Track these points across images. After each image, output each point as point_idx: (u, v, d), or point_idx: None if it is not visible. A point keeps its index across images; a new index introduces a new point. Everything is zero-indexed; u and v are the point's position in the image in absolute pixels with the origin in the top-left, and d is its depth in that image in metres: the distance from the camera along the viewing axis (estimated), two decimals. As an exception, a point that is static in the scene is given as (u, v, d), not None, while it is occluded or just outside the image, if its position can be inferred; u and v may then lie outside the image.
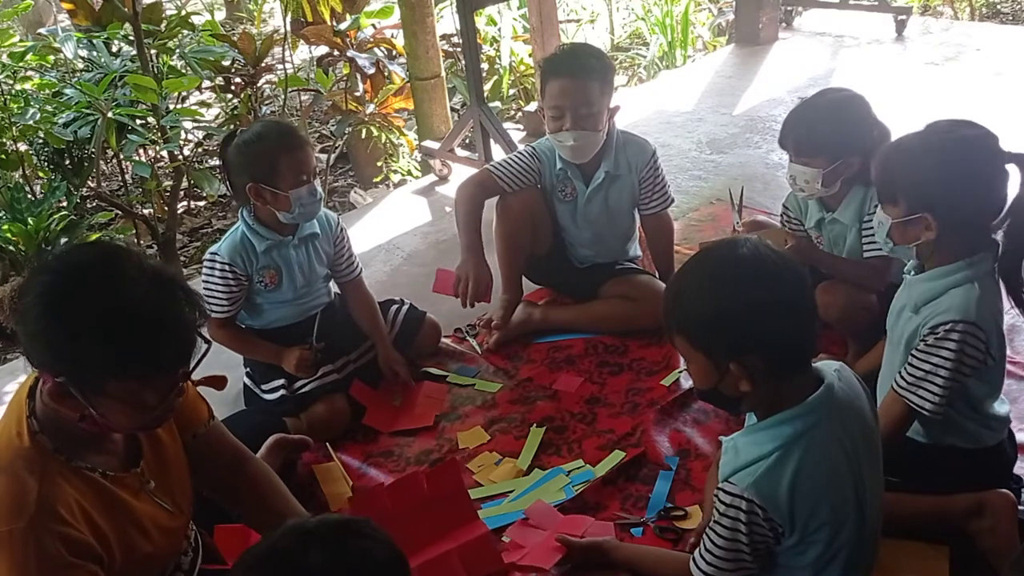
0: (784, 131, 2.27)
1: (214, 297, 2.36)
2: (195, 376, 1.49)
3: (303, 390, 2.38)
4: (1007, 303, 1.76)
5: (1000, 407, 1.85)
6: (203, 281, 2.38)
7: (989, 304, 1.69)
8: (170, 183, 4.52)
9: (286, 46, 5.08)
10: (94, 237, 3.77)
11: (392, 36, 4.72)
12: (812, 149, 2.19)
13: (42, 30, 4.96)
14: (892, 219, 1.74)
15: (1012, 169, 1.69)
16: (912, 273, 1.81)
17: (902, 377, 1.75)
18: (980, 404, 1.80)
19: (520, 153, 2.69)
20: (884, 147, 1.80)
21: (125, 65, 4.06)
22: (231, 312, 2.39)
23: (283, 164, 2.28)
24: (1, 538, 1.31)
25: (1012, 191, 1.70)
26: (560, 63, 2.50)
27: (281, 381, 2.39)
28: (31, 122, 3.83)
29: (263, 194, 2.30)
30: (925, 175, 1.67)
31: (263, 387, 2.43)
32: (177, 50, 4.33)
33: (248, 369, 2.49)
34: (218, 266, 2.35)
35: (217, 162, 4.04)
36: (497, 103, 5.52)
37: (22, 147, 4.23)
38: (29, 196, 3.81)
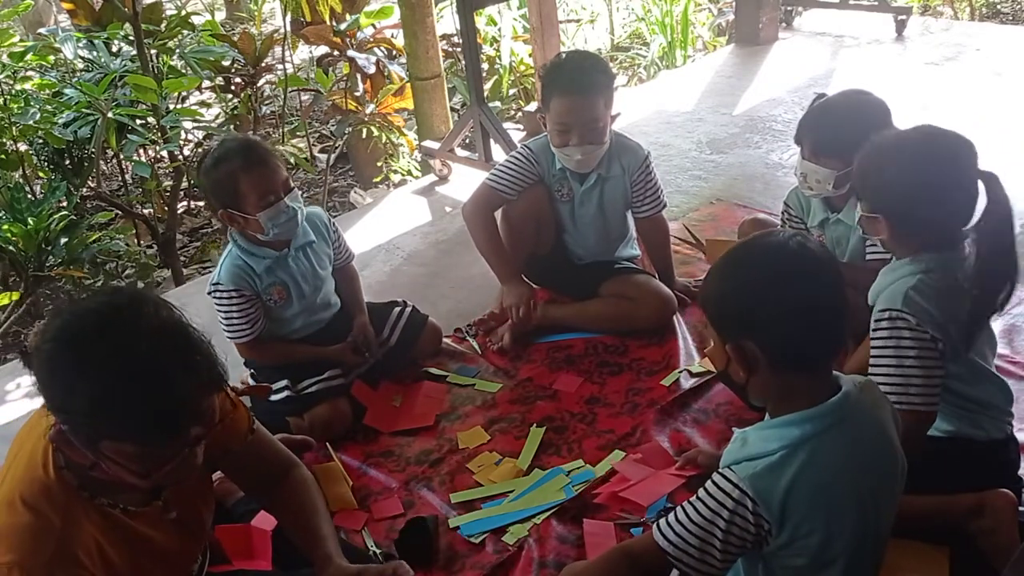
0: (802, 129, 2.27)
1: (234, 324, 2.34)
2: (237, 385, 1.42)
3: (307, 391, 2.38)
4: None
5: (987, 395, 1.83)
6: (218, 312, 2.35)
7: (919, 294, 1.71)
8: (170, 183, 4.52)
9: (286, 46, 5.08)
10: (94, 237, 3.77)
11: (392, 36, 4.72)
12: (829, 151, 2.20)
13: (42, 30, 4.95)
14: (861, 212, 1.84)
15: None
16: None
17: None
18: (958, 388, 1.79)
19: (517, 155, 2.69)
20: (868, 142, 1.81)
21: (125, 65, 4.06)
22: (257, 330, 2.37)
23: (244, 186, 2.20)
24: (12, 570, 1.29)
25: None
26: (566, 80, 2.46)
27: (285, 382, 2.39)
28: (31, 122, 3.82)
29: (235, 219, 2.25)
30: (886, 182, 1.74)
31: None
32: (177, 50, 4.33)
33: (252, 370, 2.49)
34: (225, 295, 2.32)
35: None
36: (497, 103, 5.52)
37: (22, 147, 4.23)
38: (29, 196, 3.80)
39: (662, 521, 1.42)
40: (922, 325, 1.69)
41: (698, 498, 1.38)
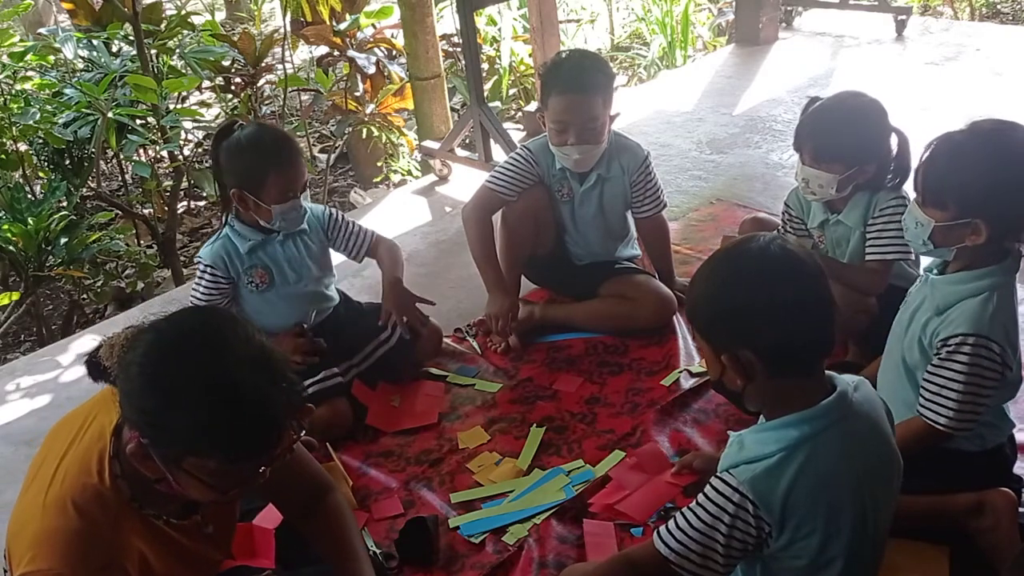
0: (800, 135, 2.25)
1: (195, 298, 2.40)
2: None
3: (305, 392, 2.37)
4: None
5: (1008, 408, 1.85)
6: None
7: (1004, 315, 1.69)
8: (170, 183, 4.52)
9: (286, 46, 5.07)
10: (94, 237, 3.77)
11: (392, 36, 4.72)
12: (830, 156, 2.18)
13: (42, 30, 4.95)
14: (936, 222, 1.70)
15: None
16: (935, 271, 1.80)
17: (920, 392, 1.75)
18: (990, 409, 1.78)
19: (516, 156, 2.68)
20: (934, 149, 1.72)
21: (125, 65, 4.06)
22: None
23: (271, 180, 2.27)
24: None
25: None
26: (565, 79, 2.46)
27: None
28: (31, 122, 3.82)
29: (247, 200, 2.31)
30: (982, 181, 1.63)
31: None
32: (177, 50, 4.33)
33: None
34: (200, 269, 2.40)
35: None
36: (497, 103, 5.52)
37: (22, 147, 4.23)
38: (29, 196, 3.80)
39: (662, 529, 1.42)
40: (1004, 354, 1.67)
41: (698, 504, 1.38)
